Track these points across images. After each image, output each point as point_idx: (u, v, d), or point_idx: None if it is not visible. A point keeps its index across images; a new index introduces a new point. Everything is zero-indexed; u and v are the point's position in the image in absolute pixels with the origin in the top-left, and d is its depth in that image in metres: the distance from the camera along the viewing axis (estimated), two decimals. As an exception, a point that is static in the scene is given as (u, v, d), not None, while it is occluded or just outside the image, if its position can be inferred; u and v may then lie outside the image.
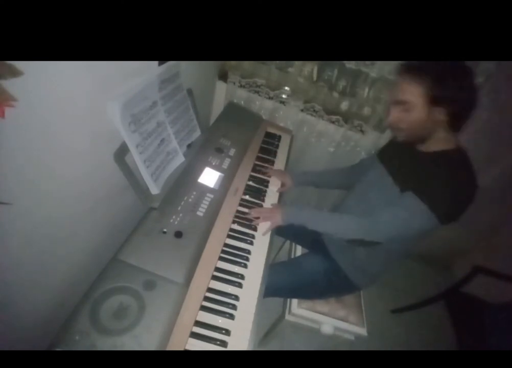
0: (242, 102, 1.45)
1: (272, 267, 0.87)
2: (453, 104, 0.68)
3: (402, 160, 0.83)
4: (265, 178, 1.10)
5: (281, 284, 0.93)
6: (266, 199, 1.05)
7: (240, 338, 0.68)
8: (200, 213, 0.84)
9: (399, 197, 0.77)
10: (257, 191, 1.05)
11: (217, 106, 1.55)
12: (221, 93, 1.48)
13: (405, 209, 0.74)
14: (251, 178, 1.08)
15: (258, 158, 1.17)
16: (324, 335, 1.02)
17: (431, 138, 0.76)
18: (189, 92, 1.02)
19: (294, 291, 0.99)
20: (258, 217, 0.91)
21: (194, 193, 0.88)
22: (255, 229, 0.92)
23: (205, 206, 0.86)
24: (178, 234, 0.75)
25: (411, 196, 0.73)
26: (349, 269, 0.93)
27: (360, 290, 1.06)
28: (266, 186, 1.09)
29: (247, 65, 1.34)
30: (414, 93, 0.70)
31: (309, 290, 0.98)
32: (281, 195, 1.09)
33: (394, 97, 0.74)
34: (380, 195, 0.84)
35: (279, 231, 1.01)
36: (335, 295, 1.02)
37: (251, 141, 1.21)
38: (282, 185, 1.10)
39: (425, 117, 0.71)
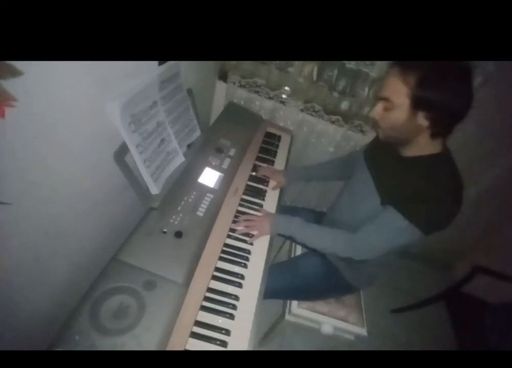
0: (242, 102, 1.45)
1: (271, 269, 0.87)
2: (436, 110, 0.63)
3: (385, 163, 0.81)
4: (263, 177, 1.10)
5: (281, 286, 0.93)
6: (266, 198, 1.05)
7: (240, 338, 0.68)
8: (200, 213, 0.84)
9: (380, 209, 0.76)
10: (257, 191, 1.05)
11: (217, 106, 1.55)
12: (221, 93, 1.48)
13: (389, 228, 0.73)
14: (251, 178, 1.08)
15: (258, 158, 1.17)
16: (324, 335, 1.02)
17: (412, 142, 0.71)
18: (189, 92, 1.02)
19: (293, 293, 0.99)
20: (246, 226, 0.89)
21: (194, 193, 0.88)
22: (261, 215, 0.92)
23: (205, 206, 0.86)
24: (178, 234, 0.75)
25: (392, 212, 0.71)
26: (346, 270, 0.93)
27: (359, 290, 1.06)
28: (267, 186, 1.09)
29: (247, 65, 1.33)
30: (397, 92, 0.65)
31: (309, 291, 0.97)
32: (281, 195, 1.09)
33: (379, 92, 0.70)
34: (365, 203, 0.82)
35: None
36: (335, 296, 1.02)
37: (251, 141, 1.21)
38: (277, 183, 1.10)
39: (406, 119, 0.67)
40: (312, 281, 0.92)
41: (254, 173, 1.09)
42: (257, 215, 0.93)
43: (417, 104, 0.64)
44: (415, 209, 0.69)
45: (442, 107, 0.63)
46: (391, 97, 0.67)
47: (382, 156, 0.82)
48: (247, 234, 0.88)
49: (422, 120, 0.65)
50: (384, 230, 0.75)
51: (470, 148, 1.43)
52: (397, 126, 0.69)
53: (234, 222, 0.91)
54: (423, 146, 0.71)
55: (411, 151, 0.74)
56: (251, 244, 0.87)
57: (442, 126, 0.66)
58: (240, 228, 0.88)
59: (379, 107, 0.71)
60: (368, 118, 1.37)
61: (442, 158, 0.72)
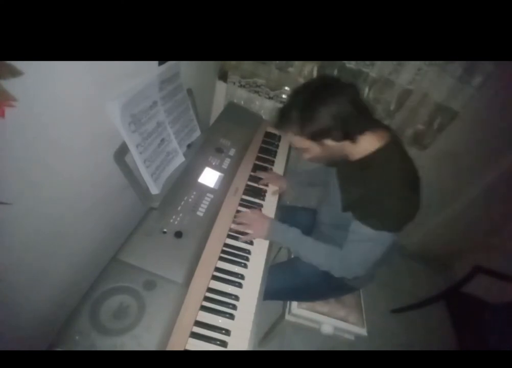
0: (242, 102, 1.45)
1: (271, 269, 0.87)
2: (329, 132, 0.68)
3: (343, 171, 0.83)
4: (264, 185, 1.10)
5: (281, 287, 0.93)
6: (266, 198, 1.05)
7: (240, 338, 0.68)
8: (200, 213, 0.84)
9: (345, 217, 0.76)
10: (257, 191, 1.05)
11: (217, 106, 1.55)
12: (221, 93, 1.48)
13: (364, 242, 0.73)
14: (251, 178, 1.08)
15: (258, 158, 1.17)
16: (324, 335, 1.02)
17: (346, 154, 0.75)
18: (189, 92, 1.02)
19: (293, 293, 0.99)
20: (243, 223, 0.88)
21: (194, 193, 0.88)
22: (262, 215, 0.92)
23: (205, 206, 0.86)
24: (178, 234, 0.75)
25: (357, 224, 0.72)
26: None
27: (359, 289, 1.06)
28: (266, 186, 1.09)
29: (247, 65, 1.33)
30: (297, 141, 0.74)
31: (309, 292, 0.97)
32: (281, 195, 1.09)
33: (292, 145, 0.78)
34: (334, 208, 0.82)
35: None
36: (335, 296, 1.02)
37: (251, 141, 1.21)
38: (278, 188, 1.10)
39: (321, 150, 0.73)
40: (312, 281, 0.92)
41: (253, 173, 1.10)
42: (258, 213, 0.91)
43: (315, 138, 0.70)
44: (373, 214, 0.70)
45: (332, 125, 0.67)
46: (299, 145, 0.75)
47: (341, 165, 0.83)
48: (242, 232, 0.88)
49: (330, 142, 0.70)
50: (359, 245, 0.74)
51: (471, 148, 1.43)
52: (321, 156, 0.76)
53: (234, 222, 0.91)
54: (360, 148, 0.73)
55: (353, 157, 0.75)
56: (251, 243, 0.86)
57: (349, 134, 0.69)
58: (237, 225, 0.88)
59: (300, 154, 0.80)
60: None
61: (386, 151, 0.72)
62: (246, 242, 0.88)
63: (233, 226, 0.88)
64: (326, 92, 0.67)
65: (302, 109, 0.68)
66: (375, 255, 0.75)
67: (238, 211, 0.95)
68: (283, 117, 0.72)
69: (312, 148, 0.74)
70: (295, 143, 0.75)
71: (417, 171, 0.73)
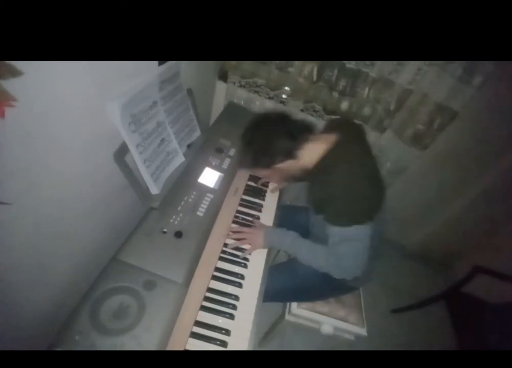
0: (242, 102, 1.45)
1: (270, 270, 0.87)
2: (274, 159, 0.80)
3: (308, 178, 0.88)
4: (263, 184, 1.10)
5: (280, 287, 0.93)
6: (266, 198, 1.05)
7: (240, 338, 0.68)
8: (200, 213, 0.84)
9: (320, 221, 0.80)
10: (257, 191, 1.05)
11: (217, 106, 1.55)
12: (221, 93, 1.48)
13: (344, 241, 0.74)
14: (251, 178, 1.08)
15: (258, 158, 1.17)
16: (324, 335, 1.02)
17: (301, 167, 0.83)
18: (189, 92, 1.02)
19: (293, 294, 0.98)
20: (240, 239, 0.88)
21: (194, 193, 0.88)
22: (255, 228, 0.92)
23: (205, 206, 0.86)
24: (178, 234, 0.75)
25: (330, 227, 0.75)
26: None
27: (358, 288, 1.06)
28: (266, 186, 1.09)
29: (247, 65, 1.33)
30: (257, 173, 0.92)
31: (309, 292, 0.97)
32: (281, 195, 1.09)
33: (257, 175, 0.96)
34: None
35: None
36: (335, 295, 1.02)
37: (251, 141, 1.21)
38: (277, 185, 1.11)
39: (279, 172, 0.85)
40: (312, 281, 0.92)
41: (253, 173, 1.10)
42: (249, 229, 0.90)
43: (267, 167, 0.82)
44: (338, 212, 0.73)
45: (273, 154, 0.79)
46: (262, 175, 0.95)
47: (306, 176, 0.89)
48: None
49: (280, 165, 0.81)
50: (342, 246, 0.74)
51: (470, 148, 1.43)
52: (282, 177, 0.93)
53: (234, 222, 0.91)
54: (307, 159, 0.81)
55: (308, 167, 0.82)
56: (246, 259, 0.85)
57: (290, 155, 0.80)
58: (232, 242, 0.87)
59: (270, 180, 1.04)
60: (368, 118, 1.37)
61: (334, 152, 0.78)
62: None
63: (230, 242, 0.87)
64: (261, 131, 0.81)
65: (248, 150, 0.82)
66: (362, 250, 0.75)
67: (238, 211, 0.95)
68: (240, 160, 0.88)
69: (272, 174, 0.89)
70: (259, 174, 0.92)
71: (372, 159, 0.81)
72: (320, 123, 1.43)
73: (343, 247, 0.74)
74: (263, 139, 0.79)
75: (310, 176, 0.84)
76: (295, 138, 0.79)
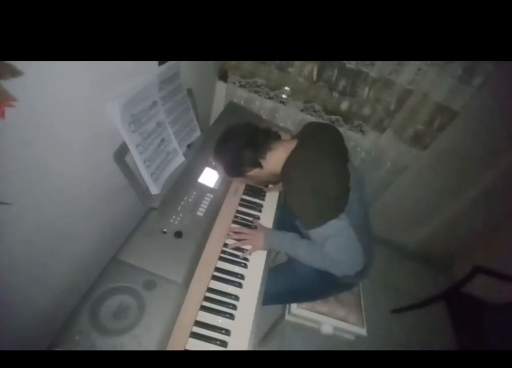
0: (242, 102, 1.45)
1: (270, 272, 0.86)
2: (242, 168, 0.87)
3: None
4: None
5: (280, 289, 0.92)
6: (266, 198, 1.05)
7: (240, 338, 0.68)
8: (200, 213, 0.84)
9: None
10: (257, 191, 1.05)
11: (217, 106, 1.55)
12: (221, 93, 1.48)
13: (329, 241, 0.74)
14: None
15: (258, 158, 1.17)
16: (324, 335, 1.02)
17: (270, 174, 0.89)
18: (189, 92, 1.02)
19: (293, 294, 0.98)
20: (239, 239, 0.88)
21: (194, 193, 0.88)
22: (255, 229, 0.92)
23: (205, 206, 0.86)
24: (178, 234, 0.75)
25: (308, 230, 0.76)
26: None
27: (357, 284, 1.06)
28: (266, 186, 1.09)
29: (247, 65, 1.33)
30: (237, 180, 1.00)
31: (309, 291, 0.97)
32: (280, 195, 1.09)
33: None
34: None
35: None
36: (334, 293, 1.02)
37: (251, 141, 1.21)
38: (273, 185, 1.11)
39: (251, 179, 0.92)
40: (311, 281, 0.92)
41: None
42: (250, 230, 0.90)
43: (239, 175, 0.90)
44: (309, 215, 0.75)
45: (239, 164, 0.86)
46: (237, 181, 1.01)
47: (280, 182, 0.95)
48: (240, 249, 0.86)
49: (250, 173, 0.88)
50: (327, 244, 0.74)
51: (470, 148, 1.43)
52: (256, 182, 1.00)
53: (234, 222, 0.90)
54: (272, 166, 0.86)
55: (276, 173, 0.86)
56: (246, 259, 0.85)
57: (255, 164, 0.86)
58: (232, 242, 0.87)
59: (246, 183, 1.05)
60: (368, 118, 1.37)
61: (292, 157, 0.82)
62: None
63: (230, 242, 0.87)
64: (228, 145, 0.88)
65: (219, 162, 0.91)
66: (348, 242, 0.75)
67: (238, 211, 0.95)
68: (223, 172, 0.92)
69: (246, 181, 0.98)
70: (236, 181, 1.01)
71: (336, 157, 0.83)
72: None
73: (328, 245, 0.74)
74: (230, 152, 0.87)
75: (280, 183, 0.89)
76: (257, 149, 0.85)
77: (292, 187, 0.78)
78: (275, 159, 0.85)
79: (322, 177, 0.76)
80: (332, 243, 0.74)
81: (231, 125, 0.93)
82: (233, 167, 0.88)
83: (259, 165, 0.86)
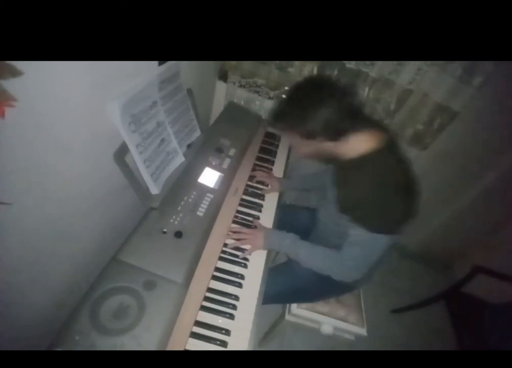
0: (242, 102, 1.45)
1: (270, 272, 0.86)
2: (315, 134, 0.69)
3: (339, 169, 0.82)
4: (260, 183, 1.10)
5: (280, 289, 0.93)
6: (266, 198, 1.05)
7: (240, 338, 0.68)
8: (200, 213, 0.84)
9: (341, 217, 0.76)
10: (257, 191, 1.05)
11: (217, 106, 1.55)
12: (221, 93, 1.48)
13: (361, 245, 0.73)
14: (251, 178, 1.08)
15: (258, 158, 1.18)
16: (324, 335, 1.02)
17: (336, 153, 0.76)
18: (189, 92, 1.02)
19: (293, 295, 0.98)
20: (239, 239, 0.87)
21: (194, 193, 0.88)
22: (255, 229, 0.92)
23: (205, 206, 0.86)
24: (178, 234, 0.75)
25: (353, 227, 0.72)
26: None
27: (358, 288, 1.06)
28: (267, 186, 1.09)
29: (247, 65, 1.33)
30: (290, 139, 0.78)
31: (309, 292, 0.97)
32: (281, 194, 1.09)
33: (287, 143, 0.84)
34: (332, 206, 0.81)
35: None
36: (335, 295, 1.02)
37: (251, 141, 1.21)
38: (270, 187, 1.10)
39: (314, 148, 0.75)
40: (311, 282, 0.92)
41: (253, 173, 1.10)
42: (250, 229, 0.90)
43: (303, 137, 0.71)
44: (368, 216, 0.70)
45: (319, 127, 0.68)
46: (291, 142, 0.82)
47: (337, 164, 0.83)
48: (240, 249, 0.86)
49: (322, 141, 0.72)
50: (356, 248, 0.74)
51: (471, 148, 1.43)
52: (314, 153, 0.78)
53: (234, 222, 0.90)
54: (349, 148, 0.73)
55: (343, 156, 0.76)
56: (246, 259, 0.85)
57: (334, 136, 0.70)
58: (232, 242, 0.87)
59: (294, 150, 0.85)
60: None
61: (380, 153, 0.71)
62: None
63: (230, 242, 0.87)
64: (317, 94, 0.68)
65: (292, 106, 0.71)
66: (372, 258, 0.74)
67: (238, 211, 0.95)
68: (277, 114, 0.75)
69: (303, 147, 0.77)
70: (288, 139, 0.80)
71: (414, 176, 0.72)
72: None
73: (353, 249, 0.73)
74: (318, 106, 0.67)
75: (343, 167, 0.77)
76: (350, 122, 0.69)
77: (370, 184, 0.69)
78: (358, 143, 0.72)
79: (403, 192, 0.70)
80: (359, 251, 0.73)
81: (330, 81, 0.74)
82: (308, 128, 0.69)
83: (338, 139, 0.71)
